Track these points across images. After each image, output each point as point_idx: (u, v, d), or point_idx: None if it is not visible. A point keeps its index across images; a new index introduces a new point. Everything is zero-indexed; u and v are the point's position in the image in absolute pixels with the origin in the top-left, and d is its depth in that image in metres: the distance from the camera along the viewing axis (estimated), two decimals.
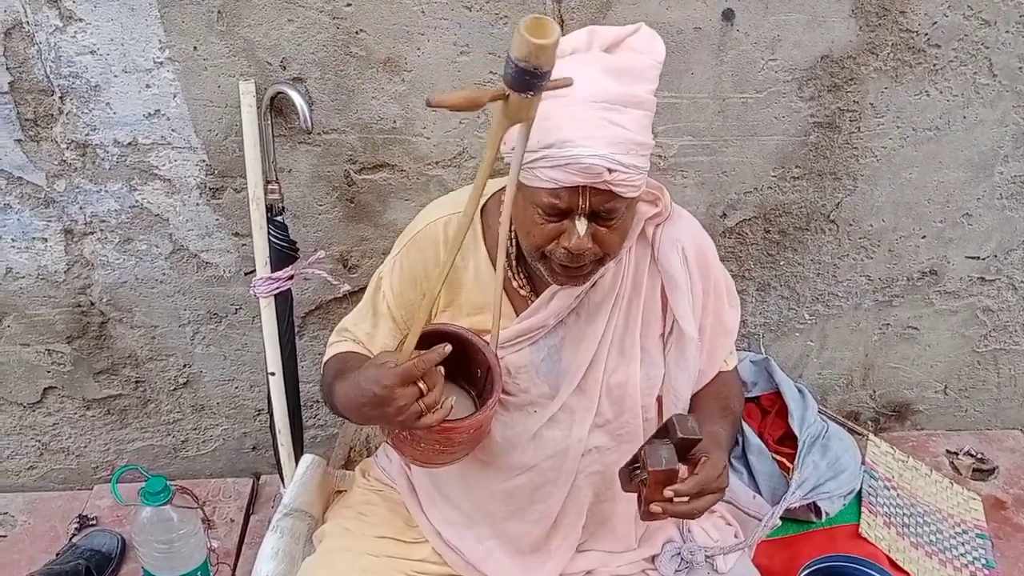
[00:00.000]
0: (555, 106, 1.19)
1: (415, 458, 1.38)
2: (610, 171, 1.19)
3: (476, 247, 1.45)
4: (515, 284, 1.44)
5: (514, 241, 1.41)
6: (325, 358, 1.54)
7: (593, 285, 1.42)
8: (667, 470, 1.24)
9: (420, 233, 1.47)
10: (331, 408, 1.43)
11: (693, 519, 1.30)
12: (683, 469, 1.29)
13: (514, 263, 1.44)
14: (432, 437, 1.31)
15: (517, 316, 1.45)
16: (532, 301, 1.44)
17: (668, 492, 1.24)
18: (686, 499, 1.25)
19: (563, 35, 1.16)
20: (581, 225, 1.24)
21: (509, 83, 1.03)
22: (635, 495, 1.32)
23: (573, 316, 1.44)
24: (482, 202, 1.46)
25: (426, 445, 1.34)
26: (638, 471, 1.29)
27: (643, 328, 1.46)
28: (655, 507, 1.25)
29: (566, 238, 1.25)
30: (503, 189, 1.39)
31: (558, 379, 1.45)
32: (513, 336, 1.43)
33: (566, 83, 1.12)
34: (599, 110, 1.20)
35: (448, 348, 1.24)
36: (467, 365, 1.41)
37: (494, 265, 1.44)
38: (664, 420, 1.34)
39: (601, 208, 1.24)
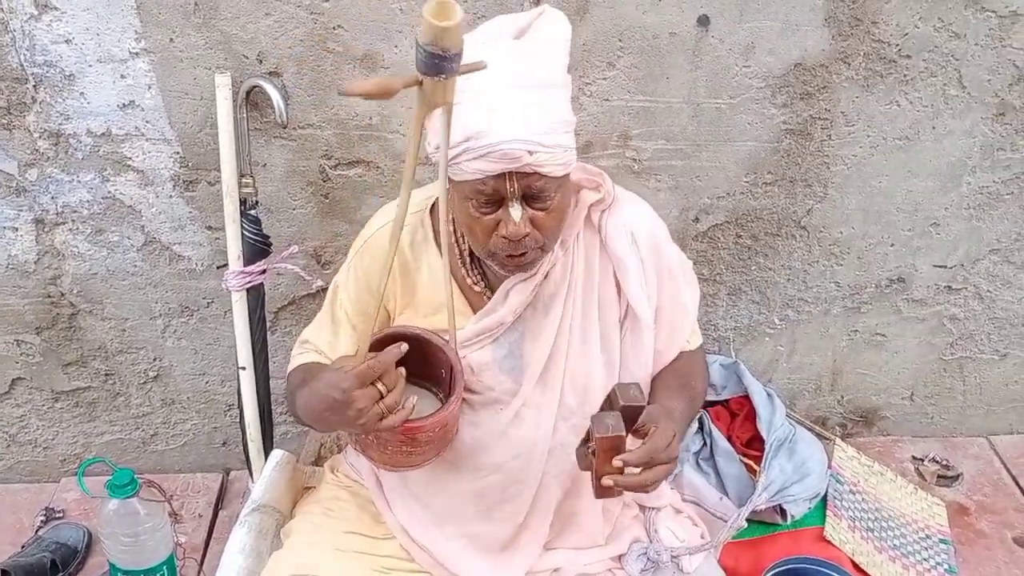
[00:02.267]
0: (469, 98, 1.21)
1: (383, 462, 1.38)
2: (531, 153, 1.20)
3: (427, 246, 1.46)
4: (469, 281, 1.46)
5: (464, 238, 1.43)
6: (288, 370, 1.54)
7: (545, 277, 1.43)
8: (613, 436, 1.24)
9: (372, 238, 1.49)
10: (296, 419, 1.44)
11: (646, 491, 1.29)
12: (634, 442, 1.29)
13: (467, 260, 1.45)
14: (397, 439, 1.31)
15: (474, 313, 1.46)
16: (488, 297, 1.45)
17: (617, 461, 1.23)
18: (637, 471, 1.25)
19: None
20: (516, 211, 1.26)
21: (421, 68, 1.05)
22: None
23: (530, 310, 1.45)
24: (431, 200, 1.48)
25: (392, 448, 1.34)
26: (589, 444, 1.28)
27: (600, 314, 1.47)
28: (607, 480, 1.24)
29: (503, 226, 1.27)
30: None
31: (521, 374, 1.46)
32: (473, 335, 1.44)
33: (479, 67, 1.14)
34: (513, 95, 1.22)
35: (404, 347, 1.25)
36: (430, 367, 1.41)
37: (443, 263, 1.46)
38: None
39: (532, 189, 1.25)
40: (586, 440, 1.30)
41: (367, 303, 1.50)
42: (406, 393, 1.27)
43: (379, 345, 1.28)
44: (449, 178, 1.30)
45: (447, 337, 1.41)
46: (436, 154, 1.26)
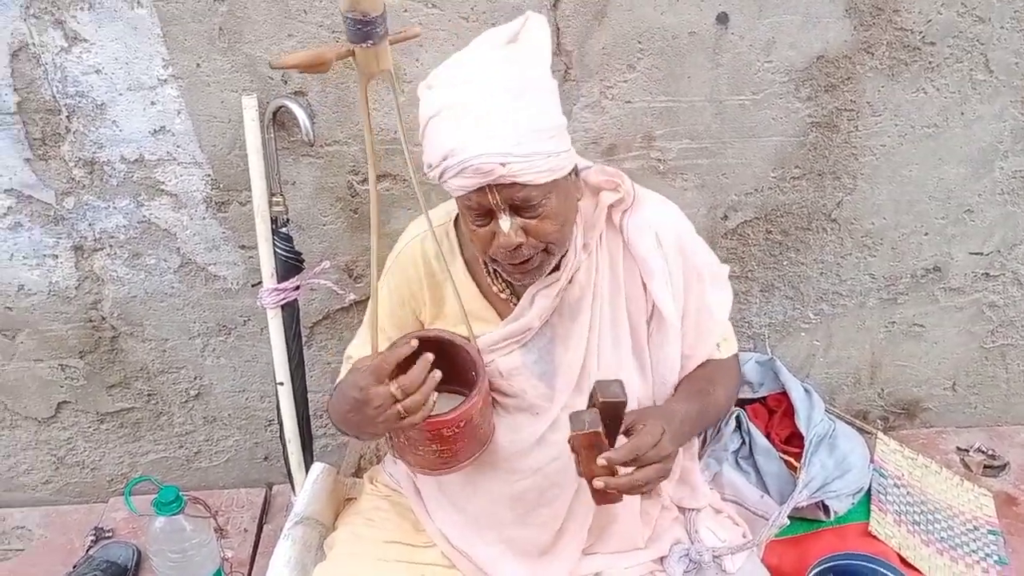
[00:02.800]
0: (447, 117, 1.23)
1: (419, 464, 1.40)
2: (503, 164, 1.21)
3: (453, 258, 1.48)
4: (495, 289, 1.47)
5: None
6: (334, 386, 1.57)
7: (570, 281, 1.44)
8: (589, 433, 1.23)
9: (401, 254, 1.52)
10: (336, 426, 1.48)
11: (642, 492, 1.28)
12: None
13: (491, 269, 1.47)
14: (425, 437, 1.33)
15: (502, 320, 1.47)
16: (514, 304, 1.46)
17: (601, 460, 1.23)
18: (629, 471, 1.25)
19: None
20: (504, 222, 1.27)
21: (349, 37, 1.08)
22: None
23: (557, 315, 1.45)
24: (452, 215, 1.51)
25: (423, 448, 1.35)
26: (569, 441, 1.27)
27: (630, 315, 1.47)
28: (597, 482, 1.24)
29: (496, 238, 1.29)
30: None
31: (553, 379, 1.46)
32: (500, 339, 1.45)
33: (412, 33, 1.15)
34: (488, 109, 1.22)
35: (415, 343, 1.29)
36: (462, 372, 1.43)
37: (472, 274, 1.47)
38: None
39: (516, 200, 1.26)
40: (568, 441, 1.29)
41: (401, 316, 1.53)
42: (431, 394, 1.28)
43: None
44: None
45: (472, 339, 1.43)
46: (430, 172, 1.28)
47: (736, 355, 1.61)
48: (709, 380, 1.52)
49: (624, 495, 1.28)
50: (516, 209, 1.27)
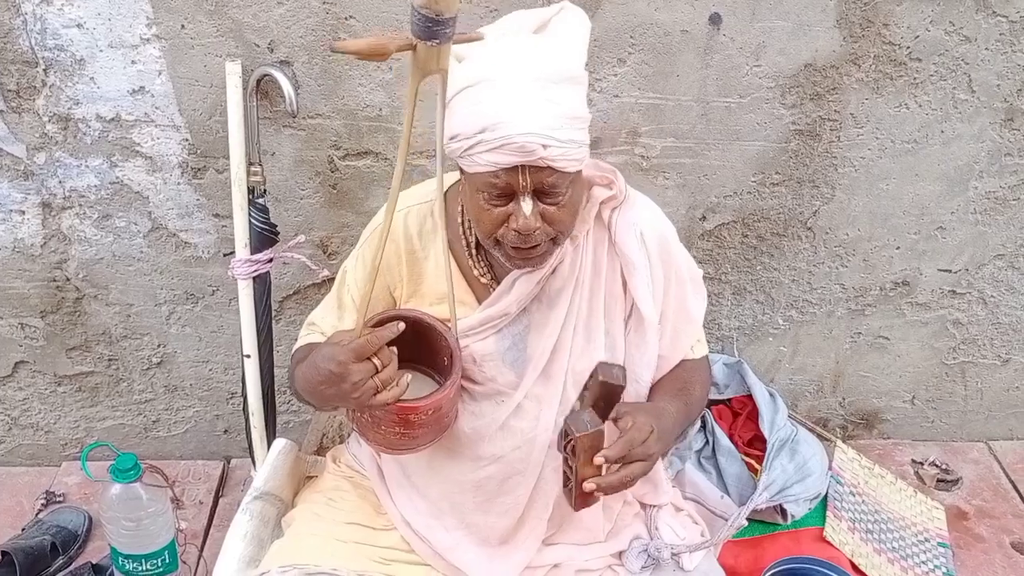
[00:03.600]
0: (486, 89, 1.21)
1: (379, 443, 1.39)
2: (544, 147, 1.20)
3: (436, 236, 1.46)
4: (476, 272, 1.46)
5: (472, 229, 1.43)
6: (293, 349, 1.56)
7: (553, 271, 1.43)
8: (593, 433, 1.23)
9: (381, 226, 1.49)
10: (295, 395, 1.45)
11: (624, 488, 1.29)
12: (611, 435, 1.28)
13: (473, 251, 1.45)
14: (390, 419, 1.32)
15: (479, 304, 1.46)
16: (493, 288, 1.45)
17: (598, 459, 1.23)
18: (616, 468, 1.26)
19: None
20: (527, 205, 1.26)
21: (415, 32, 1.04)
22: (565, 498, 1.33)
23: (536, 303, 1.45)
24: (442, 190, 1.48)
25: (386, 427, 1.34)
26: (568, 442, 1.27)
27: (607, 312, 1.47)
28: (588, 484, 1.24)
29: (514, 220, 1.27)
30: (459, 181, 1.42)
31: (524, 367, 1.46)
32: (477, 324, 1.44)
33: (476, 37, 1.14)
34: (531, 88, 1.22)
35: (401, 327, 1.26)
36: (432, 354, 1.42)
37: (454, 255, 1.46)
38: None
39: (544, 185, 1.25)
40: (565, 443, 1.28)
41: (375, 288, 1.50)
42: (403, 374, 1.27)
43: (379, 326, 1.29)
44: (461, 168, 1.30)
45: (450, 325, 1.42)
46: (450, 144, 1.26)
47: (707, 356, 1.63)
48: (687, 380, 1.54)
49: (603, 495, 1.28)
50: (538, 194, 1.27)
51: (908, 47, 1.88)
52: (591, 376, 1.31)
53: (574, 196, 1.31)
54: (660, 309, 1.50)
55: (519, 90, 1.21)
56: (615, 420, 1.31)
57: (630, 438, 1.27)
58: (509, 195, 1.27)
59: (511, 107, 1.20)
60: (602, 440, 1.25)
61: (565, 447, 1.28)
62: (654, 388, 1.54)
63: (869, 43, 1.86)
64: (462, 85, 1.24)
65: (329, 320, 1.55)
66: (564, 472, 1.31)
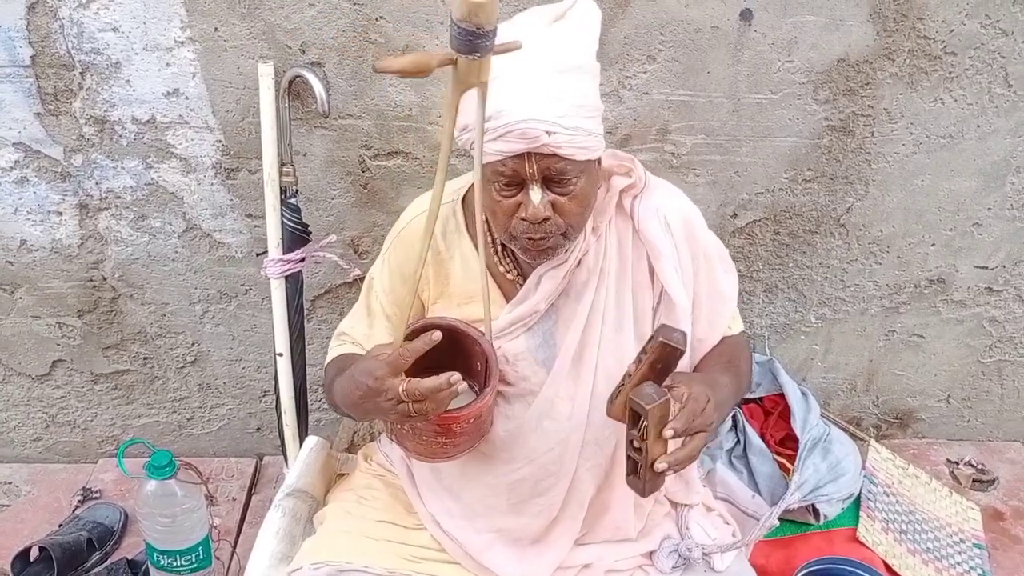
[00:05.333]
0: (494, 82, 1.20)
1: (419, 452, 1.38)
2: (549, 133, 1.21)
3: (460, 236, 1.47)
4: (502, 269, 1.46)
5: None
6: (326, 362, 1.56)
7: (578, 264, 1.43)
8: (662, 403, 1.19)
9: (405, 230, 1.50)
10: (334, 408, 1.46)
11: (692, 462, 1.27)
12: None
13: (499, 248, 1.46)
14: (431, 429, 1.31)
15: (507, 301, 1.46)
16: (520, 285, 1.45)
17: (667, 432, 1.20)
18: (680, 444, 1.24)
19: None
20: (535, 193, 1.26)
21: (455, 46, 1.04)
22: (630, 488, 1.30)
23: (563, 298, 1.45)
24: (463, 190, 1.49)
25: (427, 438, 1.34)
26: (639, 422, 1.21)
27: (635, 301, 1.47)
28: (660, 463, 1.21)
29: (523, 209, 1.27)
30: None
31: (552, 364, 1.46)
32: (507, 324, 1.44)
33: (514, 46, 1.14)
34: (536, 77, 1.23)
35: (437, 336, 1.25)
36: (466, 359, 1.41)
37: (479, 253, 1.46)
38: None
39: (552, 172, 1.25)
40: (631, 420, 1.23)
41: (402, 294, 1.51)
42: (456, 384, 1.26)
43: (415, 335, 1.28)
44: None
45: (482, 328, 1.41)
46: (462, 136, 1.28)
47: (744, 332, 1.62)
48: (732, 355, 1.53)
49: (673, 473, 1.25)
50: (548, 183, 1.27)
51: (943, 41, 1.85)
52: (650, 339, 1.28)
53: (585, 187, 1.30)
54: (691, 293, 1.48)
55: (524, 79, 1.22)
56: (669, 388, 1.27)
57: (691, 408, 1.24)
58: (519, 184, 1.28)
59: (515, 95, 1.21)
60: (669, 411, 1.21)
61: (634, 424, 1.23)
62: (700, 365, 1.52)
63: (903, 37, 1.84)
64: None
65: (360, 329, 1.55)
66: (629, 457, 1.26)
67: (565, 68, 1.24)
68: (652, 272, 1.47)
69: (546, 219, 1.28)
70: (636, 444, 1.24)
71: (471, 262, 1.46)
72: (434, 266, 1.49)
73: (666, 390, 1.23)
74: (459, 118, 1.26)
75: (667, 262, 1.44)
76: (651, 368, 1.26)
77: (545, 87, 1.23)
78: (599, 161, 1.37)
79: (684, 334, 1.28)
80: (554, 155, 1.24)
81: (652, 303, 1.48)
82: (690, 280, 1.48)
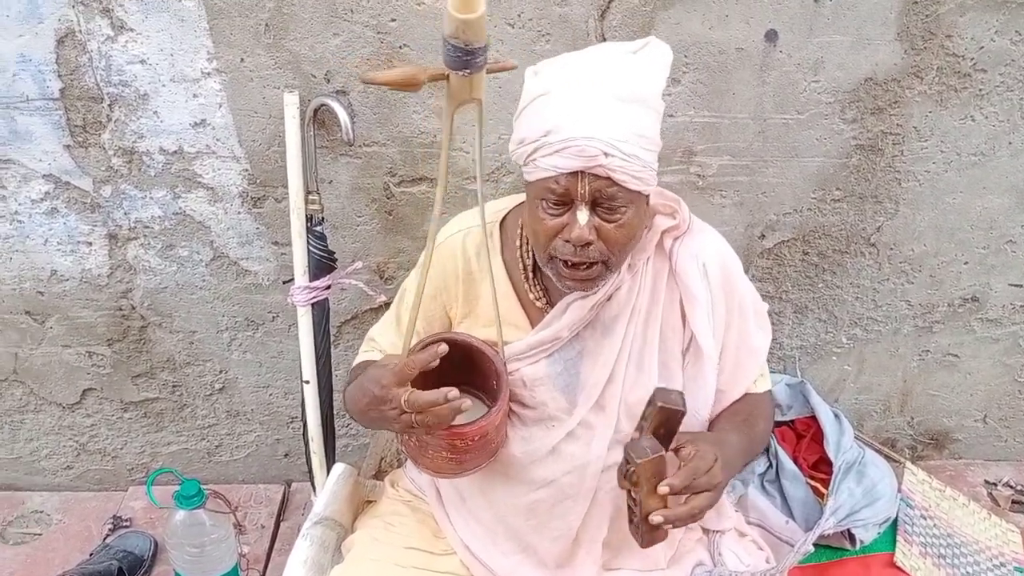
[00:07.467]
0: (557, 98, 1.23)
1: (428, 467, 1.40)
2: (606, 155, 1.21)
3: (494, 258, 1.47)
4: (531, 296, 1.46)
5: (530, 252, 1.43)
6: (352, 365, 1.58)
7: (609, 298, 1.42)
8: (654, 459, 1.21)
9: (441, 246, 1.50)
10: (348, 412, 1.46)
11: (693, 521, 1.27)
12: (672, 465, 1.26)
13: (530, 274, 1.46)
14: (438, 443, 1.32)
15: (533, 328, 1.46)
16: (547, 313, 1.44)
17: (662, 488, 1.21)
18: (682, 501, 1.24)
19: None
20: (582, 215, 1.26)
21: (447, 62, 1.05)
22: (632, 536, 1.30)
23: (589, 330, 1.44)
24: (503, 212, 1.50)
25: (434, 452, 1.34)
26: (629, 470, 1.24)
27: (662, 343, 1.45)
28: (655, 516, 1.22)
29: (568, 230, 1.27)
30: (522, 203, 1.41)
31: (576, 394, 1.45)
32: (527, 348, 1.44)
33: (510, 66, 1.14)
34: (599, 99, 1.23)
35: (444, 348, 1.25)
36: (481, 377, 1.42)
37: (509, 277, 1.45)
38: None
39: (602, 196, 1.25)
40: (626, 472, 1.26)
41: (431, 309, 1.52)
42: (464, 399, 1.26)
43: (426, 348, 1.29)
44: (525, 180, 1.31)
45: (499, 349, 1.42)
46: (518, 149, 1.28)
47: (771, 391, 1.60)
48: (750, 413, 1.51)
49: (672, 530, 1.26)
50: (596, 207, 1.27)
51: (972, 58, 1.83)
52: (648, 403, 1.29)
53: (634, 219, 1.30)
54: (720, 343, 1.47)
55: (587, 99, 1.23)
56: (676, 450, 1.29)
57: (694, 466, 1.25)
58: (567, 204, 1.27)
59: (577, 112, 1.22)
60: (664, 467, 1.23)
61: (627, 476, 1.26)
62: (715, 420, 1.51)
63: (932, 55, 1.82)
64: (535, 94, 1.27)
65: (388, 337, 1.56)
66: (628, 506, 1.29)
67: (629, 98, 1.24)
68: (684, 316, 1.46)
69: (589, 243, 1.27)
70: (633, 496, 1.26)
71: (500, 285, 1.46)
72: (465, 284, 1.49)
73: (662, 447, 1.24)
74: (519, 131, 1.28)
75: (700, 309, 1.43)
76: (655, 434, 1.27)
77: (608, 111, 1.23)
78: (647, 199, 1.36)
79: (681, 394, 1.28)
80: (607, 178, 1.23)
81: (682, 346, 1.47)
82: (721, 329, 1.47)
